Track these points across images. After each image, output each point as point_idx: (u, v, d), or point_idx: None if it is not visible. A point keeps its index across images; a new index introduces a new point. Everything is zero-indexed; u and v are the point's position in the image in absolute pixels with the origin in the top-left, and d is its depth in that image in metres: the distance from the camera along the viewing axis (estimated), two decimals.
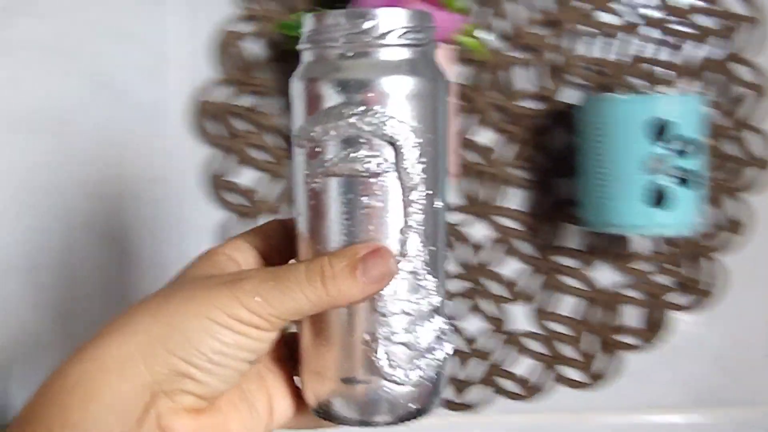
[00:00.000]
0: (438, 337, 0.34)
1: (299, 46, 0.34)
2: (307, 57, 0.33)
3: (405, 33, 0.32)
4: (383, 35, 0.32)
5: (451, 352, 0.34)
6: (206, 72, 0.58)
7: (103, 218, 0.57)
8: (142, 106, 0.57)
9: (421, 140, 0.32)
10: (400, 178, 0.32)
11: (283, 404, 0.35)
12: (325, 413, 0.34)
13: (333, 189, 0.33)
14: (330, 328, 0.33)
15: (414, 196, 0.32)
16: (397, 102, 0.32)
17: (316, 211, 0.33)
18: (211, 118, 0.58)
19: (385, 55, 0.32)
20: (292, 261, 0.34)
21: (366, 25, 0.31)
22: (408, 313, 0.33)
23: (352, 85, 0.32)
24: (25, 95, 0.56)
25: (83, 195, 0.57)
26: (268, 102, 0.58)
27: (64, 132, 0.57)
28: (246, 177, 0.59)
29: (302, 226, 0.34)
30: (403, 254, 0.32)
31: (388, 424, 0.33)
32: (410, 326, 0.33)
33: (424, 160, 0.32)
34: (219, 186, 0.59)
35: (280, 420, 0.35)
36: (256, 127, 0.59)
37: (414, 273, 0.33)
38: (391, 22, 0.32)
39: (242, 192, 0.59)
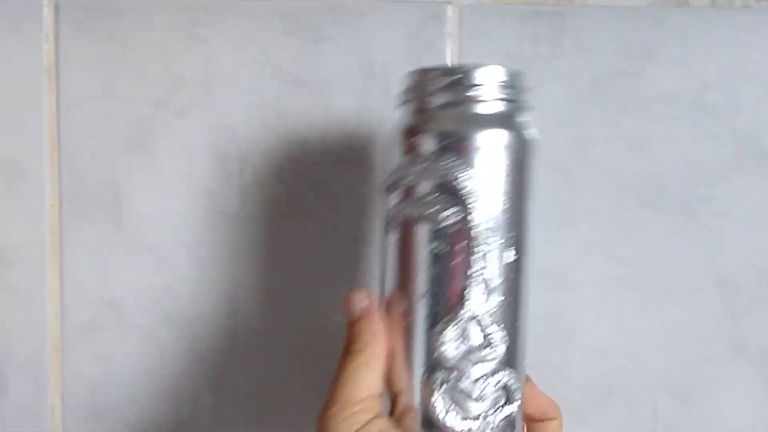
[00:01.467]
0: (501, 392, 0.34)
1: (400, 101, 0.37)
2: (406, 109, 0.36)
3: (500, 88, 0.34)
4: (478, 88, 0.34)
5: (514, 410, 0.34)
6: None
7: None
8: None
9: (496, 193, 0.34)
10: (468, 228, 0.33)
11: None
12: None
13: (406, 235, 0.35)
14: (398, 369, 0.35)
15: (481, 246, 0.33)
16: (482, 154, 0.33)
17: (395, 255, 0.36)
18: None
19: (479, 108, 0.34)
20: None
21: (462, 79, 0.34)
22: (469, 361, 0.33)
23: (439, 135, 0.34)
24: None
25: None
26: None
27: None
28: None
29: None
30: (464, 301, 0.33)
31: None
32: (469, 375, 0.33)
33: (498, 210, 0.34)
34: None
35: None
36: None
37: (475, 321, 0.33)
38: (487, 77, 0.34)
39: None
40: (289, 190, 0.49)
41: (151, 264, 0.49)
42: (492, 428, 0.34)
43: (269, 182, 0.49)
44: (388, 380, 0.36)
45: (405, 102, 0.36)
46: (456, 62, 0.48)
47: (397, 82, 0.47)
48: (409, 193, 0.35)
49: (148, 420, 0.50)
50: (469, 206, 0.33)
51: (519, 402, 0.34)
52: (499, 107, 0.34)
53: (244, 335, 0.49)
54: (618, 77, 0.48)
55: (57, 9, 0.48)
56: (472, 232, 0.33)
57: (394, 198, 0.35)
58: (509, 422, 0.34)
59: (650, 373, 0.49)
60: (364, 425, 0.33)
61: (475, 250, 0.33)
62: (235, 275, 0.49)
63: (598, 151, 0.48)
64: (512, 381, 0.34)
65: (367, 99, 0.48)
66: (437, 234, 0.34)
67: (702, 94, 0.47)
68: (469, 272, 0.33)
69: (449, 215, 0.33)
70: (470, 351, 0.33)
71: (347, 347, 0.36)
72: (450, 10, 0.48)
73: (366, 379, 0.35)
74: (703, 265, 0.48)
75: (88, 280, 0.49)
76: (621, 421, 0.49)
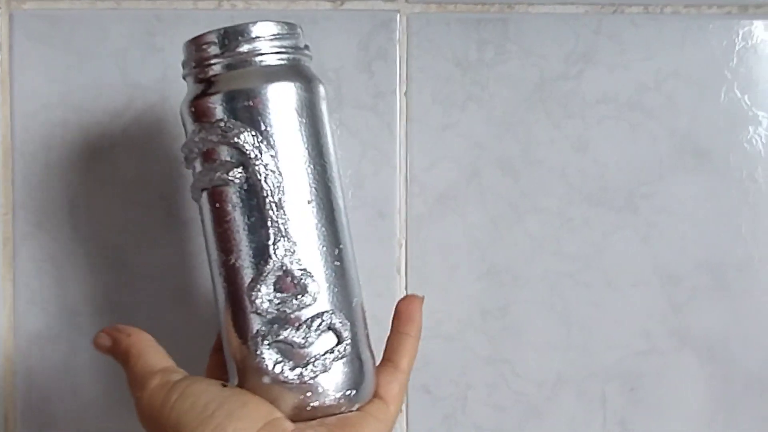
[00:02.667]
0: (329, 335, 0.35)
1: (183, 74, 0.38)
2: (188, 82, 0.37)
3: (272, 41, 0.35)
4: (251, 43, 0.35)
5: (347, 349, 0.35)
6: None
7: None
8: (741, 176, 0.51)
9: (285, 145, 0.35)
10: (257, 182, 0.34)
11: None
12: None
13: (204, 202, 0.36)
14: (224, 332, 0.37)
15: (275, 198, 0.34)
16: (264, 109, 0.35)
17: (204, 224, 0.37)
18: None
19: (254, 65, 0.35)
20: None
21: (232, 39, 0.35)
22: (286, 311, 0.34)
23: (220, 99, 0.35)
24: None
25: None
26: None
27: None
28: None
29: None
30: (269, 254, 0.34)
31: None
32: (290, 325, 0.34)
33: (288, 161, 0.35)
34: None
35: None
36: None
37: (285, 271, 0.34)
38: (258, 32, 0.35)
39: None
40: None
41: (107, 271, 0.49)
42: (327, 371, 0.35)
43: None
44: (225, 353, 0.37)
45: (185, 75, 0.37)
46: (405, 67, 0.50)
47: (350, 87, 0.49)
48: (205, 161, 0.36)
49: (105, 429, 0.50)
50: (253, 162, 0.34)
51: (349, 340, 0.35)
52: (275, 60, 0.35)
53: (205, 342, 0.49)
54: (560, 80, 0.50)
55: (11, 18, 0.49)
56: (263, 186, 0.34)
57: (193, 169, 0.37)
58: (347, 361, 0.35)
59: (599, 364, 0.50)
60: (178, 381, 0.35)
61: (269, 203, 0.34)
62: (194, 280, 0.49)
63: (543, 151, 0.50)
64: (338, 321, 0.35)
65: None
66: (231, 195, 0.35)
67: (639, 96, 0.50)
68: (268, 226, 0.34)
69: (236, 174, 0.34)
70: (285, 301, 0.34)
71: (124, 366, 0.38)
72: (399, 18, 0.50)
73: (151, 360, 0.37)
74: (645, 259, 0.50)
75: (43, 289, 0.49)
76: (572, 412, 0.50)
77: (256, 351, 0.34)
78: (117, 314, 0.49)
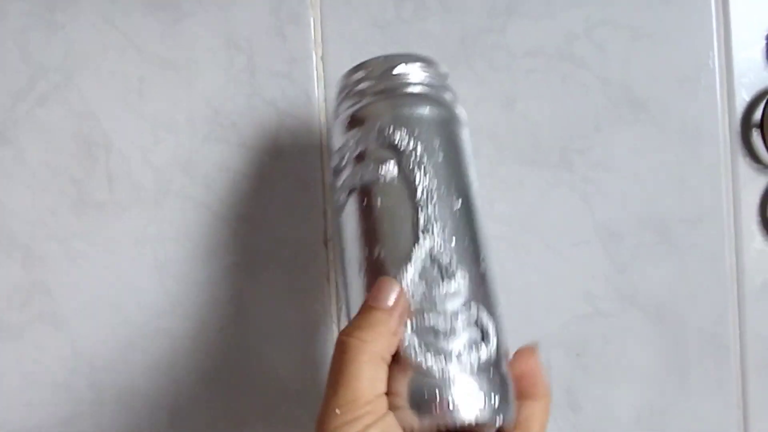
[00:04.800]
0: (474, 329, 0.33)
1: (337, 98, 0.40)
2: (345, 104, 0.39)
3: (423, 75, 0.38)
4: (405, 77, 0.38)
5: (491, 353, 0.33)
6: (761, 78, 0.48)
7: None
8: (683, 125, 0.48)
9: (431, 150, 0.36)
10: (410, 174, 0.35)
11: None
12: None
13: (351, 203, 0.36)
14: None
15: (426, 191, 0.35)
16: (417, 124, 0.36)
17: (346, 224, 0.37)
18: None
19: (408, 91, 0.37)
20: None
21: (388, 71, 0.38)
22: (433, 298, 0.33)
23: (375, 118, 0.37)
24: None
25: None
26: None
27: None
28: None
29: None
30: (417, 245, 0.34)
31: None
32: (437, 311, 0.33)
33: (435, 163, 0.36)
34: None
35: None
36: None
37: (432, 259, 0.34)
38: (410, 68, 0.38)
39: None
40: (158, 173, 0.47)
41: (20, 260, 0.47)
42: (470, 371, 0.32)
43: (138, 167, 0.47)
44: None
45: (341, 98, 0.39)
46: (319, 30, 0.47)
47: (262, 55, 0.47)
48: (357, 162, 0.36)
49: (27, 421, 0.48)
50: (407, 155, 0.35)
51: (495, 345, 0.33)
52: (420, 89, 0.38)
53: (125, 328, 0.47)
54: (483, 35, 0.47)
55: None
56: (415, 177, 0.35)
57: (342, 175, 0.37)
58: (488, 366, 0.33)
59: (541, 330, 0.48)
60: (366, 427, 0.30)
61: (420, 194, 0.35)
62: (112, 266, 0.47)
63: (470, 110, 0.47)
64: (485, 318, 0.33)
65: (233, 73, 0.47)
66: (382, 189, 0.35)
67: (569, 46, 0.47)
68: (419, 216, 0.34)
69: (390, 167, 0.35)
70: (431, 288, 0.33)
71: (352, 333, 0.32)
72: None
73: (374, 378, 0.31)
74: (585, 218, 0.48)
75: None
76: None
77: (403, 341, 0.32)
78: (28, 308, 0.47)
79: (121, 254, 0.47)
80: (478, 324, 0.33)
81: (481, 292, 0.34)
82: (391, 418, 0.31)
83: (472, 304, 0.33)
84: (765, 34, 0.48)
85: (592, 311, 0.48)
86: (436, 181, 0.35)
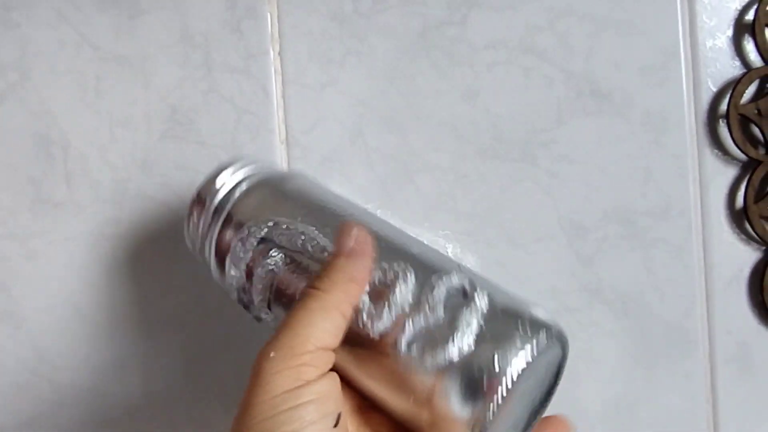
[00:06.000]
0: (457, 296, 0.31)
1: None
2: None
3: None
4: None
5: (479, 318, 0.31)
6: (728, 68, 0.47)
7: None
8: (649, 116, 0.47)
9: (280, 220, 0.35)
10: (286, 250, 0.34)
11: None
12: None
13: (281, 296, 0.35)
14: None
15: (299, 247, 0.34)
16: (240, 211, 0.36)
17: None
18: (739, 127, 0.46)
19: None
20: None
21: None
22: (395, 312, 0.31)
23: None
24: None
25: None
26: None
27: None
28: None
29: None
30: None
31: None
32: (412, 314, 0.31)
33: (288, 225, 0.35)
34: (753, 218, 0.47)
35: None
36: None
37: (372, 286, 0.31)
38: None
39: None
40: (116, 171, 0.47)
41: None
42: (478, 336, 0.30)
43: (95, 165, 0.47)
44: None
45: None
46: (276, 25, 0.47)
47: (219, 50, 0.46)
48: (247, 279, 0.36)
49: None
50: (270, 238, 0.35)
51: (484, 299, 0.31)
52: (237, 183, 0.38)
53: (85, 327, 0.47)
54: (443, 27, 0.47)
55: None
56: (288, 245, 0.35)
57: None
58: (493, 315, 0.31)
59: None
60: (304, 384, 0.28)
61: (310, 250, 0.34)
62: (71, 265, 0.47)
63: (430, 104, 0.47)
64: (453, 280, 0.31)
65: (189, 70, 0.47)
66: (285, 274, 0.35)
67: (531, 38, 0.47)
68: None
69: (274, 255, 0.35)
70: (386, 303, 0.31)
71: (311, 284, 0.30)
72: None
73: (320, 327, 0.29)
74: (549, 212, 0.47)
75: None
76: None
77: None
78: None
79: (79, 253, 0.47)
80: (462, 291, 0.31)
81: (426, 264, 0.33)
82: (333, 381, 0.29)
83: (432, 276, 0.31)
84: (731, 22, 0.47)
85: (557, 306, 0.47)
86: (314, 230, 0.34)
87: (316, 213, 0.35)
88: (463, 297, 0.31)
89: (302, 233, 0.34)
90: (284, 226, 0.35)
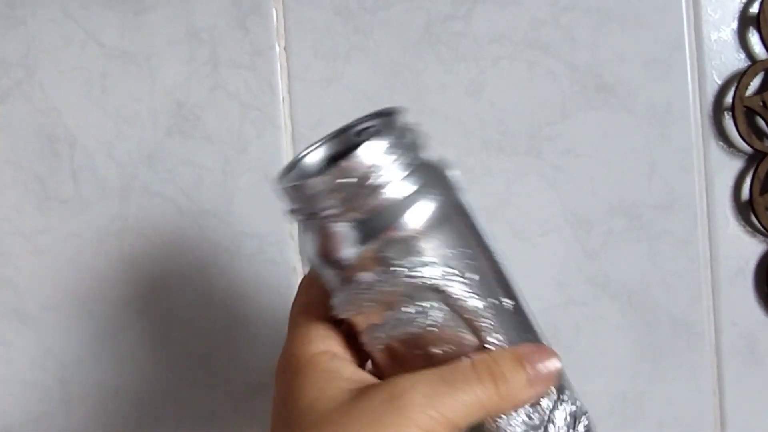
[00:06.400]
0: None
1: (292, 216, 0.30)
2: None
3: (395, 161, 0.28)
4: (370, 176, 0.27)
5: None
6: (732, 61, 0.47)
7: None
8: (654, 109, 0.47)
9: (459, 265, 0.28)
10: (455, 311, 0.28)
11: None
12: None
13: (400, 351, 0.29)
14: None
15: (474, 315, 0.28)
16: (423, 236, 0.28)
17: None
18: (745, 119, 0.46)
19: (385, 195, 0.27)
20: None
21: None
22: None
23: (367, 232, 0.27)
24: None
25: None
26: None
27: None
28: None
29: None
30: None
31: None
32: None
33: (471, 279, 0.28)
34: (759, 210, 0.47)
35: None
36: None
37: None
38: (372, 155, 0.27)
39: None
40: (122, 167, 0.47)
41: None
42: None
43: (101, 162, 0.47)
44: None
45: (304, 222, 0.30)
46: (282, 21, 0.47)
47: (225, 47, 0.46)
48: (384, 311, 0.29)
49: None
50: (444, 289, 0.28)
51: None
52: (405, 184, 0.28)
53: (95, 324, 0.47)
54: (448, 21, 0.47)
55: None
56: (462, 308, 0.28)
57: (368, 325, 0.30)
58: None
59: None
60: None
61: (474, 322, 0.29)
62: (78, 261, 0.47)
63: (436, 98, 0.47)
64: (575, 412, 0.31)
65: (195, 66, 0.47)
66: (431, 341, 0.29)
67: (535, 32, 0.47)
68: (481, 340, 0.29)
69: (433, 313, 0.28)
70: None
71: (488, 372, 0.28)
72: None
73: (466, 413, 0.27)
74: (554, 205, 0.47)
75: None
76: None
77: None
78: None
79: (86, 249, 0.47)
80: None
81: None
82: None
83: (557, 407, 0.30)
84: (736, 15, 0.47)
85: (564, 300, 0.47)
86: (481, 294, 0.29)
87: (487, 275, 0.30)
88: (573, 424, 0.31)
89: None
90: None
